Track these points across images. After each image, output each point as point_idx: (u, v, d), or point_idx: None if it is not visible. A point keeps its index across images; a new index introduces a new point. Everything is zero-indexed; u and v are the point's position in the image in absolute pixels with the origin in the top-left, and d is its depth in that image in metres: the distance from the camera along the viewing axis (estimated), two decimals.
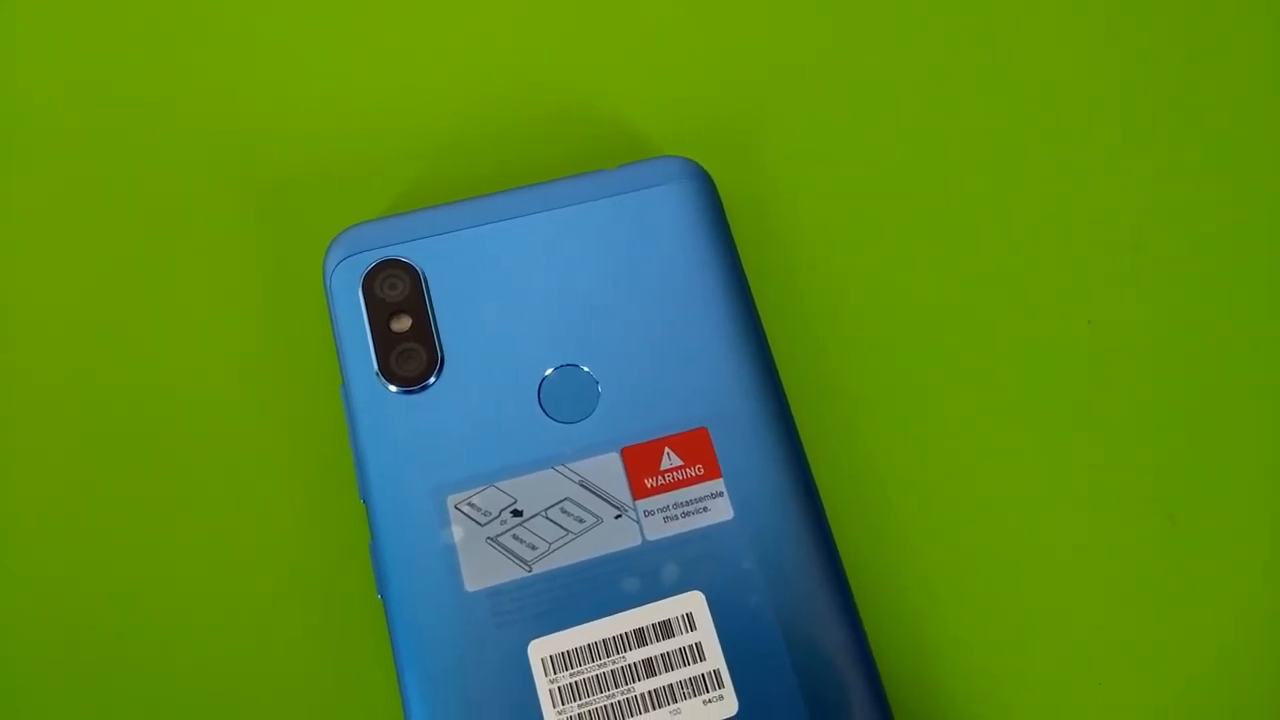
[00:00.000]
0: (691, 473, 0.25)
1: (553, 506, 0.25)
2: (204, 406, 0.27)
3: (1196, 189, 0.30)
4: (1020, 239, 0.30)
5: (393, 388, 0.25)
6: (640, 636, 0.24)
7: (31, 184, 0.30)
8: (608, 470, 0.25)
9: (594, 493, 0.25)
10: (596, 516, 0.25)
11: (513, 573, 0.24)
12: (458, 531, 0.24)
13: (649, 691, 0.23)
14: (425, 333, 0.26)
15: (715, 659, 0.23)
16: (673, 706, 0.23)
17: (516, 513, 0.24)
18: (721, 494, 0.25)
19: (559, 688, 0.23)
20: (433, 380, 0.25)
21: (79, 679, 0.25)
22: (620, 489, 0.25)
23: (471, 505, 0.24)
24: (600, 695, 0.23)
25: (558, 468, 0.25)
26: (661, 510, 0.25)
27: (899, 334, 0.29)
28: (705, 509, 0.25)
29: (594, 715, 0.23)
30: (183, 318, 0.28)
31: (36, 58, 0.31)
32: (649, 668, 0.23)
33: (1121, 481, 0.28)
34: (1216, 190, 0.30)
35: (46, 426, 0.27)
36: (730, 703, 0.23)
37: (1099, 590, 0.27)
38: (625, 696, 0.23)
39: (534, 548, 0.24)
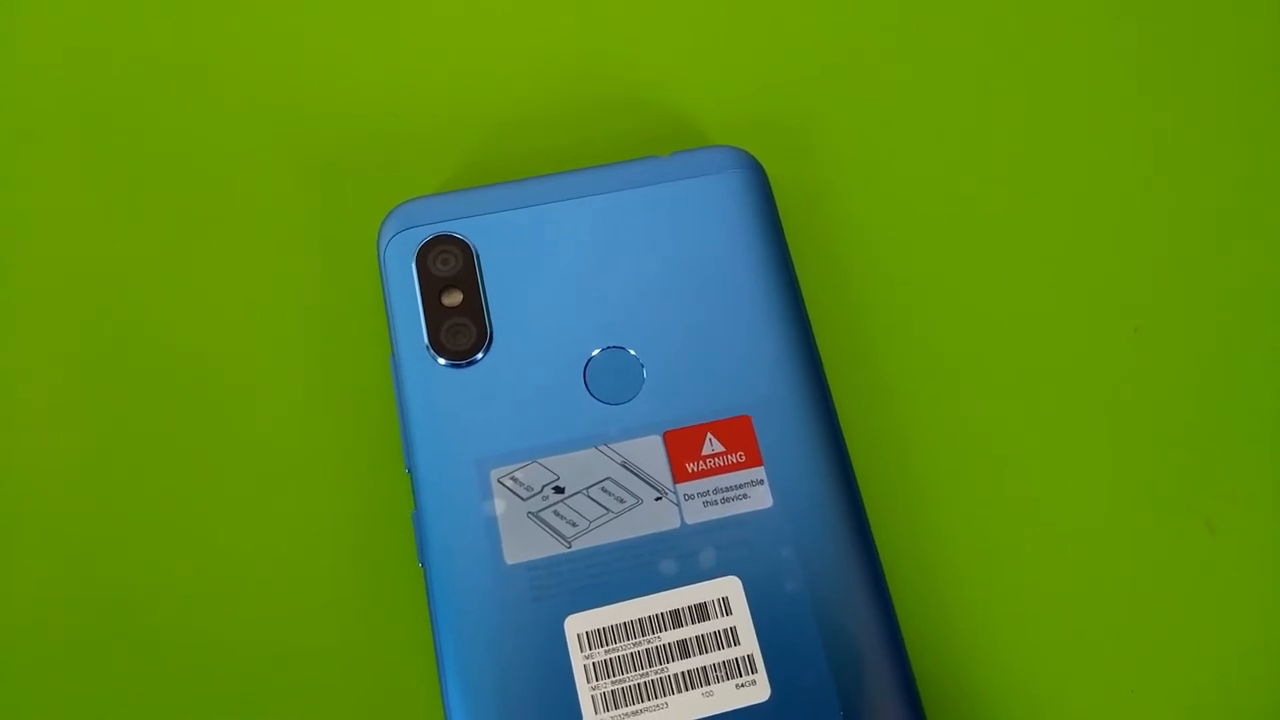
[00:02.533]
0: (733, 459, 0.25)
1: (594, 485, 0.25)
2: (256, 372, 0.28)
3: (1248, 203, 0.30)
4: (1070, 243, 0.30)
5: (441, 361, 0.26)
6: (676, 618, 0.24)
7: (92, 152, 0.30)
8: (650, 452, 0.25)
9: (635, 474, 0.25)
10: (637, 497, 0.25)
11: (552, 548, 0.24)
12: (499, 505, 0.24)
13: (682, 672, 0.23)
14: (475, 308, 0.26)
15: (749, 644, 0.24)
16: (705, 689, 0.23)
17: (558, 489, 0.25)
18: (762, 482, 0.25)
19: (594, 664, 0.23)
20: (481, 355, 0.26)
21: (126, 640, 0.26)
22: (661, 471, 0.25)
23: (514, 480, 0.25)
24: (634, 673, 0.23)
25: (600, 447, 0.25)
26: (701, 495, 0.25)
27: (944, 331, 0.29)
28: (745, 496, 0.25)
29: (627, 693, 0.23)
30: (238, 285, 0.29)
31: (101, 28, 0.31)
32: (683, 649, 0.24)
33: (1161, 489, 0.27)
34: (1268, 205, 0.30)
35: (99, 390, 0.28)
36: (763, 688, 0.23)
37: (1135, 596, 0.27)
38: (659, 676, 0.23)
39: (574, 525, 0.24)
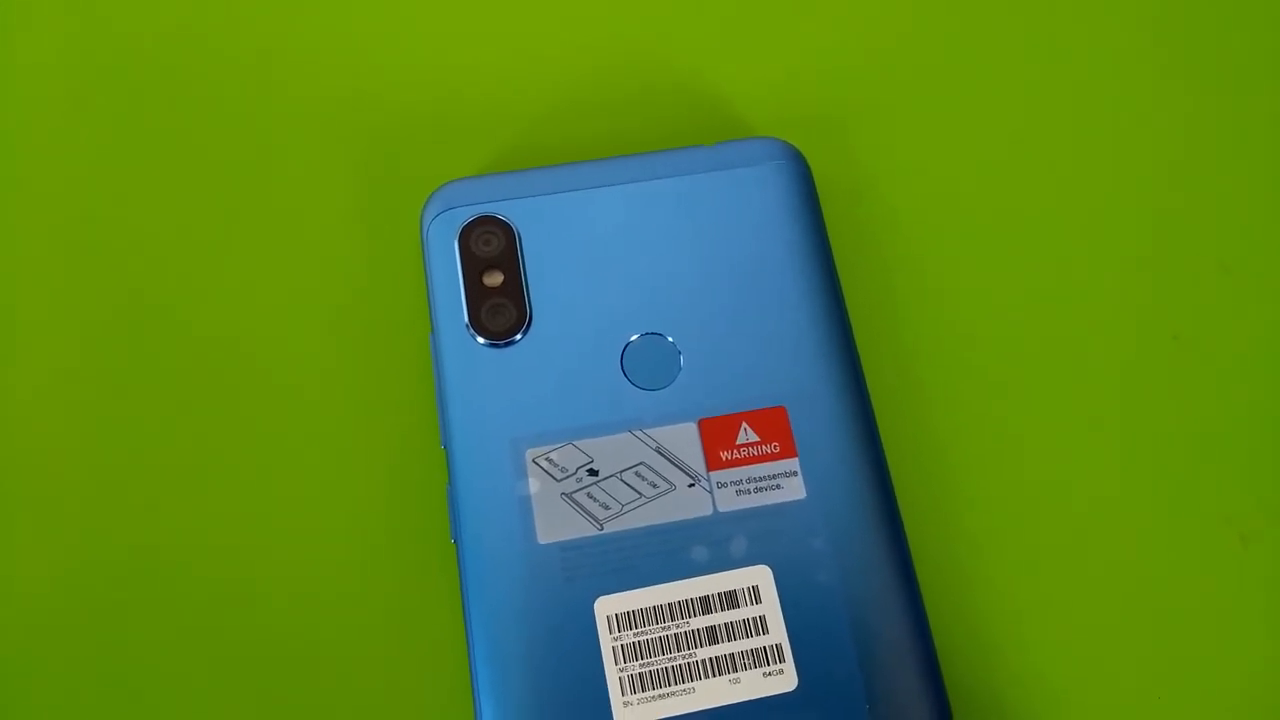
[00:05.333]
0: (767, 449, 0.25)
1: (628, 469, 0.25)
2: (296, 347, 0.28)
3: None
4: (1113, 247, 0.30)
5: (481, 340, 0.26)
6: (705, 604, 0.24)
7: (138, 129, 0.30)
8: (684, 439, 0.25)
9: (669, 460, 0.25)
10: (670, 483, 0.25)
11: (584, 529, 0.24)
12: (534, 484, 0.25)
13: (710, 658, 0.23)
14: (516, 289, 0.26)
15: (778, 633, 0.24)
16: (732, 675, 0.23)
17: (592, 472, 0.25)
18: (795, 473, 0.25)
19: (622, 646, 0.23)
20: (520, 336, 0.26)
21: (162, 613, 0.26)
22: (695, 458, 0.25)
23: (549, 460, 0.25)
24: (662, 657, 0.23)
25: (635, 432, 0.25)
26: (734, 483, 0.25)
27: (983, 331, 0.29)
28: (778, 486, 0.25)
29: (655, 676, 0.23)
30: (281, 261, 0.29)
31: (149, 4, 0.32)
32: (711, 635, 0.24)
33: (1196, 498, 0.27)
34: None
35: (138, 365, 0.28)
36: (790, 678, 0.23)
37: (1164, 603, 0.26)
38: (686, 661, 0.23)
39: (607, 507, 0.24)
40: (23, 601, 0.26)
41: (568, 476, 0.25)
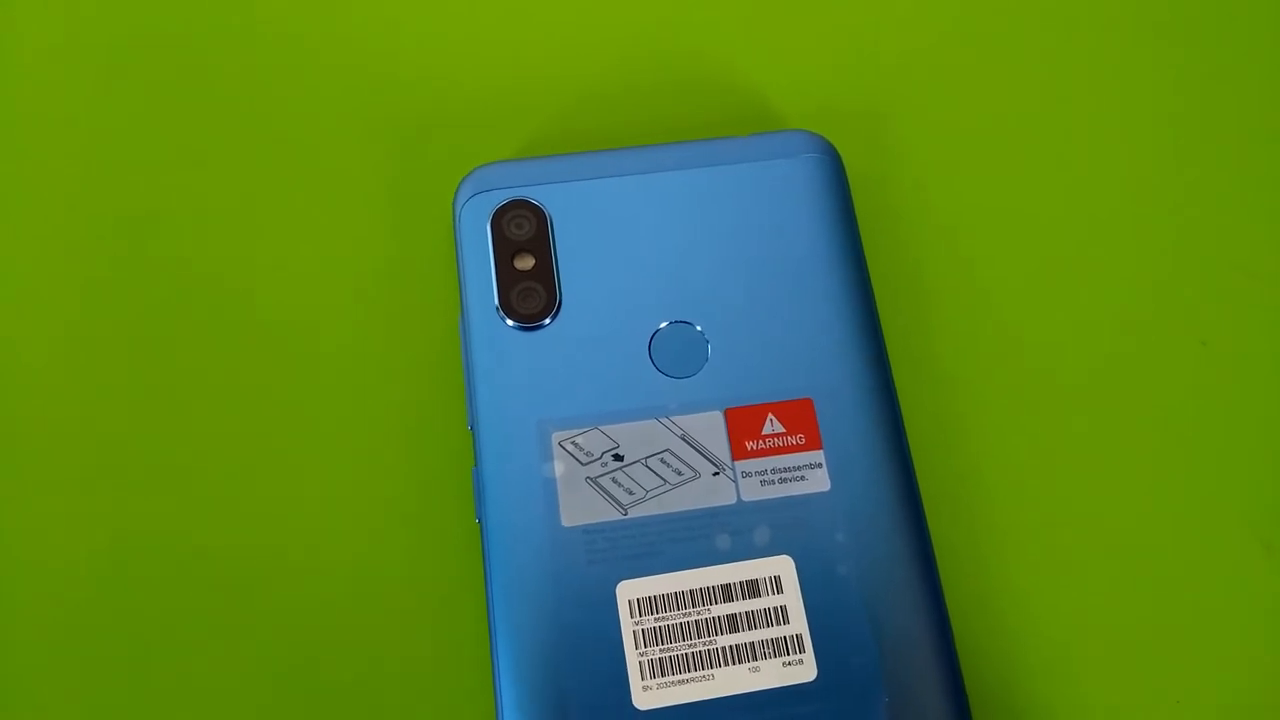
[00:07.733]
0: (792, 441, 0.25)
1: (653, 456, 0.25)
2: (324, 325, 0.28)
3: None
4: (1142, 250, 0.30)
5: (510, 323, 0.26)
6: (727, 592, 0.24)
7: (174, 103, 0.31)
8: (710, 428, 0.25)
9: (694, 448, 0.25)
10: (695, 471, 0.25)
11: (608, 514, 0.24)
12: (559, 468, 0.25)
13: (730, 646, 0.23)
14: (547, 273, 0.26)
15: (799, 624, 0.24)
16: (752, 664, 0.23)
17: (618, 457, 0.25)
18: (820, 465, 0.25)
19: (643, 630, 0.23)
20: (549, 320, 0.26)
21: (185, 582, 0.26)
22: (720, 447, 0.25)
23: (575, 444, 0.25)
24: (682, 643, 0.23)
25: (661, 419, 0.25)
26: (759, 473, 0.25)
27: (1011, 329, 0.29)
28: (803, 477, 0.25)
29: (675, 661, 0.23)
30: (312, 239, 0.29)
31: None
32: (732, 623, 0.24)
33: (1220, 504, 0.27)
34: None
35: (164, 342, 0.28)
36: (809, 668, 0.23)
37: (1186, 609, 0.26)
38: (706, 647, 0.23)
39: (631, 493, 0.25)
40: (43, 578, 0.26)
41: (593, 461, 0.25)
